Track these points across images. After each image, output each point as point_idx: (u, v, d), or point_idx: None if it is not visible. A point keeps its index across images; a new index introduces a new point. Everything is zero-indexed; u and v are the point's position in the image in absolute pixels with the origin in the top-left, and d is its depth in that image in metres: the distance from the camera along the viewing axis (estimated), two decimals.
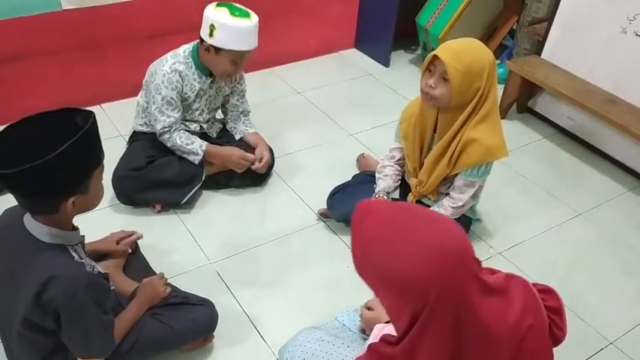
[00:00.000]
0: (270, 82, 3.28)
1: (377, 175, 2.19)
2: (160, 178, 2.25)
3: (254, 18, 2.12)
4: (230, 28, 2.06)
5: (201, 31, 2.13)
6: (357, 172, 2.50)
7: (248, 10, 2.14)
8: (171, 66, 2.18)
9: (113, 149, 2.30)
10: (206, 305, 1.75)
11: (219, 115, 2.56)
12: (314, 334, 1.58)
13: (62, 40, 2.66)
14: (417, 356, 0.99)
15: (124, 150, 2.37)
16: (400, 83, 3.35)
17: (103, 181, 1.39)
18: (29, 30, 2.55)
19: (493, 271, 1.13)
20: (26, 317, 1.33)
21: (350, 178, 2.37)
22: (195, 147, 2.27)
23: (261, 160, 2.38)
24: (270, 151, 2.46)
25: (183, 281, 1.92)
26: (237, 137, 2.48)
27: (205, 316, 1.73)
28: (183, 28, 2.58)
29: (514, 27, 3.48)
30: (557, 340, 1.15)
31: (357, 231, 1.04)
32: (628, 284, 2.19)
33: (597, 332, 1.99)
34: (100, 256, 1.79)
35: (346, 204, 2.18)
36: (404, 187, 2.19)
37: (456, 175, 1.99)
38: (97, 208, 1.42)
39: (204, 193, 2.41)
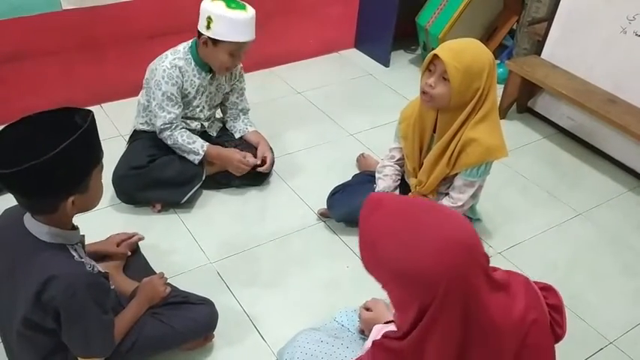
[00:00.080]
0: (270, 82, 3.28)
1: (377, 175, 2.19)
2: (160, 177, 2.25)
3: (250, 10, 2.14)
4: (227, 20, 2.08)
5: (198, 24, 2.14)
6: (357, 172, 2.50)
7: (244, 2, 2.15)
8: (171, 62, 2.19)
9: (113, 149, 2.30)
10: (206, 304, 1.75)
11: (218, 114, 2.56)
12: (313, 335, 1.58)
13: (62, 40, 2.66)
14: (425, 349, 0.99)
15: (124, 150, 2.37)
16: (400, 83, 3.35)
17: (102, 180, 1.39)
18: (29, 30, 2.55)
19: (494, 269, 1.13)
20: (26, 317, 1.33)
21: (350, 178, 2.37)
22: (196, 147, 2.27)
23: (263, 160, 2.39)
24: (270, 150, 2.47)
25: (183, 281, 1.92)
26: (237, 136, 2.49)
27: (205, 316, 1.73)
28: (183, 28, 2.58)
29: (514, 27, 3.48)
30: (557, 338, 1.14)
31: (367, 223, 1.03)
32: (628, 284, 2.19)
33: (597, 332, 1.99)
34: (100, 256, 1.79)
35: (346, 204, 2.20)
36: (404, 187, 2.19)
37: (456, 175, 1.99)
38: (97, 208, 1.42)
39: (205, 192, 2.41)
